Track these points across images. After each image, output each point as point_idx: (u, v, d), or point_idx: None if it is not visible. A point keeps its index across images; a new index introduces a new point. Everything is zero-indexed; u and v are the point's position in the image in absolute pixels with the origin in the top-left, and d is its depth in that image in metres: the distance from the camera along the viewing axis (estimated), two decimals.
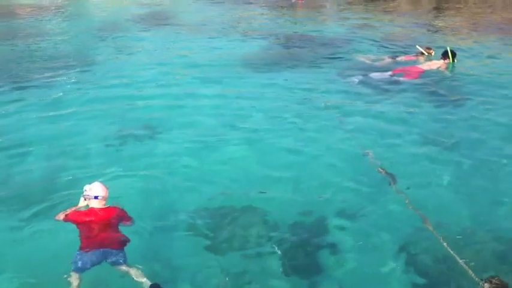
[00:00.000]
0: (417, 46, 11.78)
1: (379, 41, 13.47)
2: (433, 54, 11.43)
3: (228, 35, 14.52)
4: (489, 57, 11.73)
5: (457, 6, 17.94)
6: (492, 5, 17.91)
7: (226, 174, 7.01)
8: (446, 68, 10.63)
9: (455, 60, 10.64)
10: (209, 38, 14.18)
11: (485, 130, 8.14)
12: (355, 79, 10.38)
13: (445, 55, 10.71)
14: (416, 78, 10.25)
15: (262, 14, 17.65)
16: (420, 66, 10.73)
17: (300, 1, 19.37)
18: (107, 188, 5.55)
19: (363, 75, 10.54)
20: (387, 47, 12.85)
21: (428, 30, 14.58)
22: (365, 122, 8.58)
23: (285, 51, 12.94)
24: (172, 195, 6.54)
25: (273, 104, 9.40)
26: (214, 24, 15.81)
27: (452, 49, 10.71)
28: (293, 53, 12.69)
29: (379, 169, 6.84)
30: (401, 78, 10.28)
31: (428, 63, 10.82)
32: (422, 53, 11.51)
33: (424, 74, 10.42)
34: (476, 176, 6.87)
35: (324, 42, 13.49)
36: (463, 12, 16.97)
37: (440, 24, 15.34)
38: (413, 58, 11.53)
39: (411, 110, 9.01)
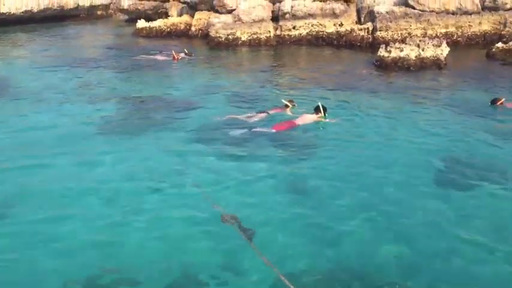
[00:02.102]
0: (282, 100, 12.37)
1: (236, 98, 13.53)
2: (296, 106, 12.16)
3: (77, 101, 13.57)
4: (343, 108, 12.49)
5: (293, 60, 18.94)
6: (323, 59, 19.18)
7: (85, 252, 6.62)
8: (319, 122, 11.30)
9: (326, 114, 11.39)
10: (56, 106, 13.16)
11: (338, 179, 8.48)
12: (235, 134, 10.56)
13: (317, 110, 11.43)
14: (290, 131, 10.75)
15: (113, 77, 16.68)
16: (295, 120, 11.24)
17: (175, 59, 18.98)
18: None
19: (244, 132, 10.65)
20: (247, 103, 13.02)
21: (274, 86, 15.12)
22: (229, 179, 8.56)
23: (141, 115, 12.37)
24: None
25: (129, 170, 9.03)
26: (59, 91, 14.66)
27: (323, 104, 11.46)
28: (150, 116, 12.20)
29: (225, 219, 7.11)
30: (280, 132, 10.61)
31: (303, 117, 11.36)
32: (287, 105, 12.13)
33: (298, 127, 10.99)
34: (327, 223, 7.13)
35: (182, 103, 13.19)
36: (301, 67, 17.94)
37: (283, 80, 16.05)
38: (280, 110, 12.02)
39: (277, 162, 9.21)
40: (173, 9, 27.73)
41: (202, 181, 8.48)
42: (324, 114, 11.33)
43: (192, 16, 25.78)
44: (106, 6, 34.56)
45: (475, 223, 7.06)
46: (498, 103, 12.08)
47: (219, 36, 21.71)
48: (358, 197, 7.85)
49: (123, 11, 31.58)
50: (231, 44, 21.50)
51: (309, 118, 11.36)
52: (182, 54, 19.42)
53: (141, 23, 26.20)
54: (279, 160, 9.33)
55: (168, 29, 25.82)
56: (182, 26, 25.88)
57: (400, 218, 7.19)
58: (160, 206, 7.75)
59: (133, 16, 30.13)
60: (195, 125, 11.35)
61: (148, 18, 27.54)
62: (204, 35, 23.53)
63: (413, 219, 7.18)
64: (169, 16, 27.39)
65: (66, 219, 7.36)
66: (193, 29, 24.92)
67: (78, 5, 32.76)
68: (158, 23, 26.15)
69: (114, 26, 30.30)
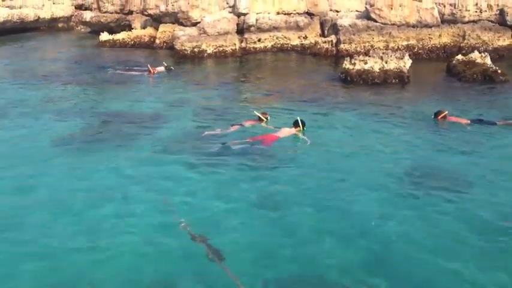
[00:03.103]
0: (255, 112, 12.41)
1: (207, 111, 13.49)
2: (268, 118, 12.25)
3: (41, 116, 13.17)
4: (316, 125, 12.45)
5: (259, 76, 18.85)
6: (289, 72, 19.34)
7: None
8: (298, 135, 11.41)
9: (305, 128, 11.52)
10: (20, 120, 12.85)
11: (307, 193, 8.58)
12: (211, 147, 10.57)
13: (296, 124, 11.55)
14: (271, 145, 10.78)
15: (78, 92, 16.33)
16: (276, 134, 11.32)
17: (151, 74, 18.53)
18: None
19: (221, 145, 10.62)
20: (219, 116, 13.01)
21: (243, 99, 15.15)
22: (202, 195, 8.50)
23: (107, 130, 12.14)
24: None
25: (94, 185, 8.88)
26: (23, 105, 14.25)
27: (301, 119, 11.57)
28: (118, 131, 11.95)
29: (195, 237, 7.06)
30: (258, 146, 10.66)
31: (283, 130, 11.46)
32: (260, 118, 12.18)
33: (279, 140, 11.05)
34: (289, 236, 7.23)
35: (151, 117, 13.05)
36: (267, 81, 17.91)
37: (251, 93, 16.05)
38: (255, 123, 12.11)
39: (251, 177, 9.21)
40: (136, 21, 27.54)
41: (173, 196, 8.39)
42: (303, 129, 11.45)
43: (156, 29, 25.68)
44: (67, 19, 34.02)
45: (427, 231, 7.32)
46: (440, 116, 12.36)
47: (185, 49, 21.68)
48: (325, 212, 7.92)
49: (85, 23, 31.18)
50: (196, 57, 21.50)
51: (288, 132, 11.45)
52: (161, 68, 18.99)
53: (105, 36, 25.95)
54: (253, 175, 9.32)
55: (132, 42, 25.67)
56: (146, 39, 25.78)
57: (369, 234, 7.28)
58: (127, 222, 7.60)
59: (95, 28, 29.77)
60: (165, 139, 11.26)
61: (111, 31, 27.29)
62: (169, 48, 23.45)
63: (384, 230, 7.33)
64: (132, 29, 27.19)
65: (23, 235, 7.20)
66: (157, 41, 24.83)
67: (38, 17, 32.17)
68: (122, 36, 25.96)
69: (77, 39, 29.82)
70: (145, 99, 15.41)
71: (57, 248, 6.95)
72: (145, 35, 26.01)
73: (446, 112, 12.44)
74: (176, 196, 8.47)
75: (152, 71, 18.67)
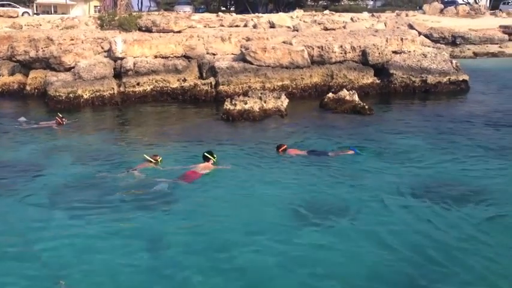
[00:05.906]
0: (144, 155, 12.27)
1: (91, 160, 12.89)
2: (159, 160, 12.13)
3: None
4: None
5: (141, 120, 18.84)
6: (171, 116, 19.40)
7: None
8: (211, 169, 11.65)
9: (215, 158, 11.86)
10: None
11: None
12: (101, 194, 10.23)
13: (206, 158, 11.80)
14: (192, 181, 10.94)
15: None
16: (196, 170, 11.40)
17: (61, 126, 17.03)
18: None
19: (121, 190, 10.43)
20: (106, 162, 12.61)
21: (127, 144, 14.90)
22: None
23: None
24: None
25: None
26: None
27: (209, 151, 12.02)
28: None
29: None
30: (181, 182, 10.80)
31: (201, 166, 11.61)
32: (150, 161, 12.03)
33: (201, 176, 11.23)
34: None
35: (30, 166, 12.36)
36: (149, 125, 17.94)
37: (134, 137, 15.85)
38: (144, 166, 11.92)
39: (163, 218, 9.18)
40: (3, 68, 25.99)
41: (54, 248, 7.98)
42: (214, 159, 11.72)
43: (26, 75, 24.44)
44: None
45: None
46: (281, 150, 13.13)
47: (59, 95, 20.83)
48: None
49: None
50: (72, 103, 20.72)
51: (205, 166, 11.58)
52: (66, 121, 17.52)
53: None
54: (151, 223, 9.09)
55: (0, 89, 24.20)
56: (15, 86, 24.42)
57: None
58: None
59: None
60: (47, 188, 10.68)
61: None
62: (41, 94, 22.41)
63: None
64: None
65: None
66: (28, 88, 23.61)
67: None
68: None
69: None
70: (20, 148, 14.48)
71: None
72: (13, 82, 24.64)
73: (286, 146, 13.29)
74: (55, 248, 8.06)
75: (62, 122, 17.25)
